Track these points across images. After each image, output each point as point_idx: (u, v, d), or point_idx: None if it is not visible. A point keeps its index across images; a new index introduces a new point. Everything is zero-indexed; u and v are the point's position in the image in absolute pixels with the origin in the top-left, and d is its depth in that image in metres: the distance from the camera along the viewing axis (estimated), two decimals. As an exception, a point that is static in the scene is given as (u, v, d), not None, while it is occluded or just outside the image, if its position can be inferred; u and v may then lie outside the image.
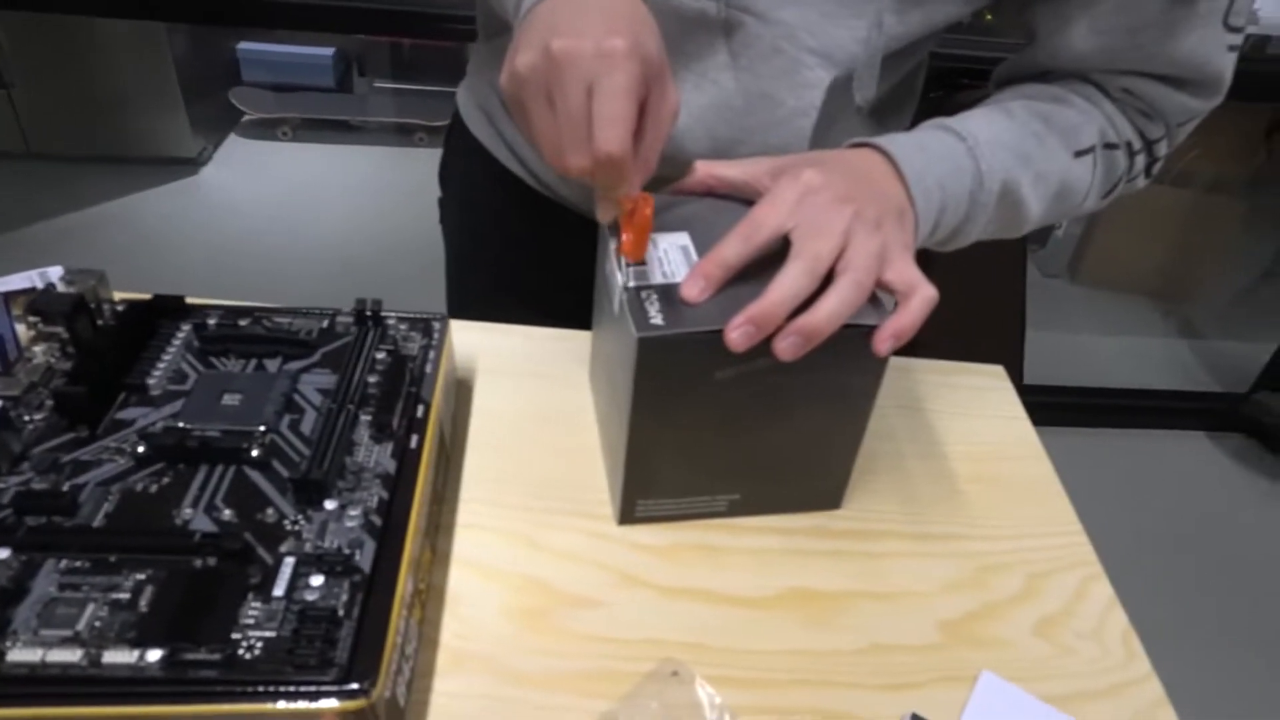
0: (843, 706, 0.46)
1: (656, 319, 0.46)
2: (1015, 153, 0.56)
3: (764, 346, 0.45)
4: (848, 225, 0.46)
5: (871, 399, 0.51)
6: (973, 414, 0.65)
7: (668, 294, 0.47)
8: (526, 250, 0.79)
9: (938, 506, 0.58)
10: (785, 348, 0.45)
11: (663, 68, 0.45)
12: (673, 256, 0.49)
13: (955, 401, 0.66)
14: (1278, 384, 1.98)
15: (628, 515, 0.54)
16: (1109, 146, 0.60)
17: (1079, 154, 0.59)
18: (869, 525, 0.56)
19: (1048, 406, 0.64)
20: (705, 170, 0.53)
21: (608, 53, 0.42)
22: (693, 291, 0.47)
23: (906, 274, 0.47)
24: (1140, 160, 0.62)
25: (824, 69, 0.57)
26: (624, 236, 0.49)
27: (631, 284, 0.48)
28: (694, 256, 0.49)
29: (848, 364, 0.48)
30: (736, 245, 0.47)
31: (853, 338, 0.46)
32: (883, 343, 0.46)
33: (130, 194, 2.45)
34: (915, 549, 0.55)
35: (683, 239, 0.50)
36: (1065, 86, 0.61)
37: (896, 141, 0.53)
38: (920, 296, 0.46)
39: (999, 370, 0.69)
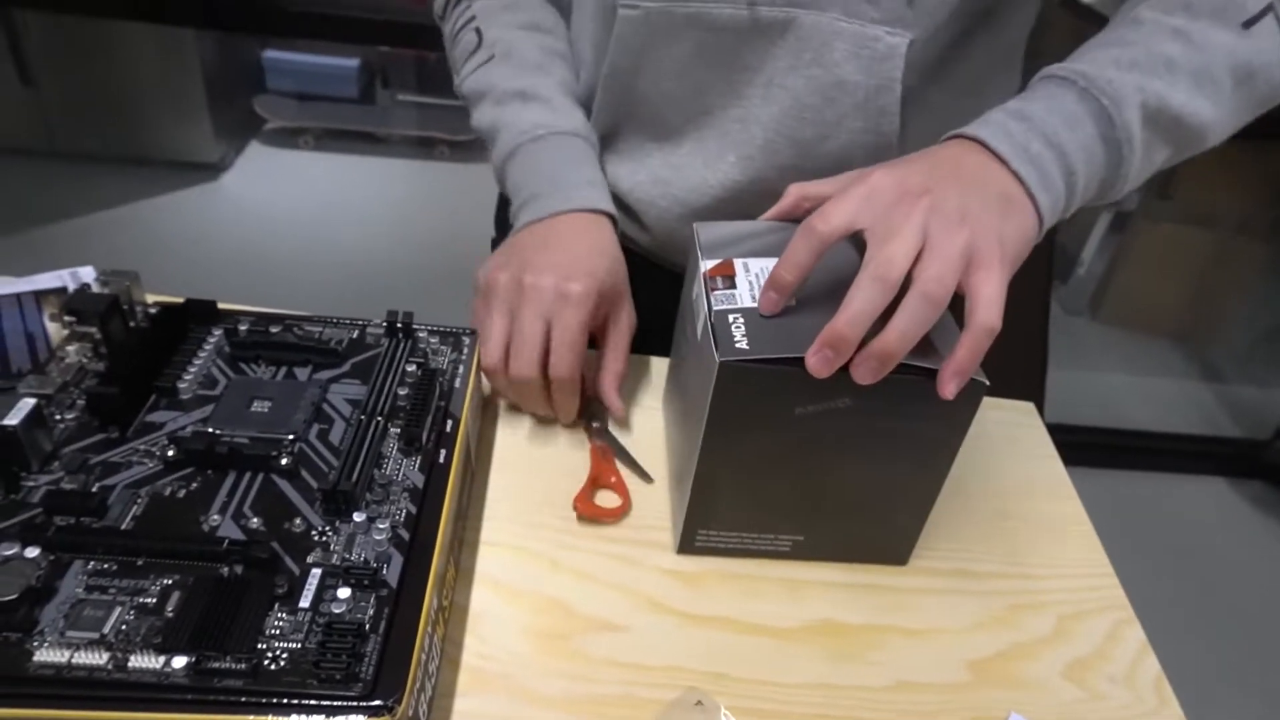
0: (869, 744, 0.45)
1: (741, 342, 0.44)
2: (1149, 67, 0.48)
3: (846, 382, 0.43)
4: (923, 220, 0.42)
5: (953, 452, 0.49)
6: (1005, 451, 0.64)
7: (754, 317, 0.46)
8: None
9: (970, 543, 0.57)
10: (862, 374, 0.42)
11: (619, 295, 0.58)
12: (763, 281, 0.47)
13: (988, 437, 0.65)
14: (1302, 431, 1.96)
15: (688, 544, 0.53)
16: None
17: (1248, 23, 0.50)
18: (897, 559, 0.55)
19: (1067, 445, 0.63)
20: (798, 192, 0.51)
21: (564, 294, 0.55)
22: (766, 304, 0.46)
23: (985, 286, 0.42)
24: None
25: (895, 35, 0.55)
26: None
27: (719, 307, 0.47)
28: None
29: (929, 411, 0.46)
30: (800, 244, 0.44)
31: (918, 383, 0.44)
32: (946, 385, 0.42)
33: (150, 197, 2.47)
34: (946, 585, 0.54)
35: (773, 264, 0.47)
36: None
37: (987, 121, 0.48)
38: (977, 325, 0.42)
39: (1030, 407, 0.68)
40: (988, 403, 0.68)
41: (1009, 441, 0.66)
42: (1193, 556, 1.81)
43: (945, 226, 0.42)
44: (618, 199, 0.67)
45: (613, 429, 0.61)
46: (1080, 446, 1.90)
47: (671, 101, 0.62)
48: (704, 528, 0.52)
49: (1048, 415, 0.69)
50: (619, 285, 0.58)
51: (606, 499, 0.57)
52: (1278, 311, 2.46)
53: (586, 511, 0.55)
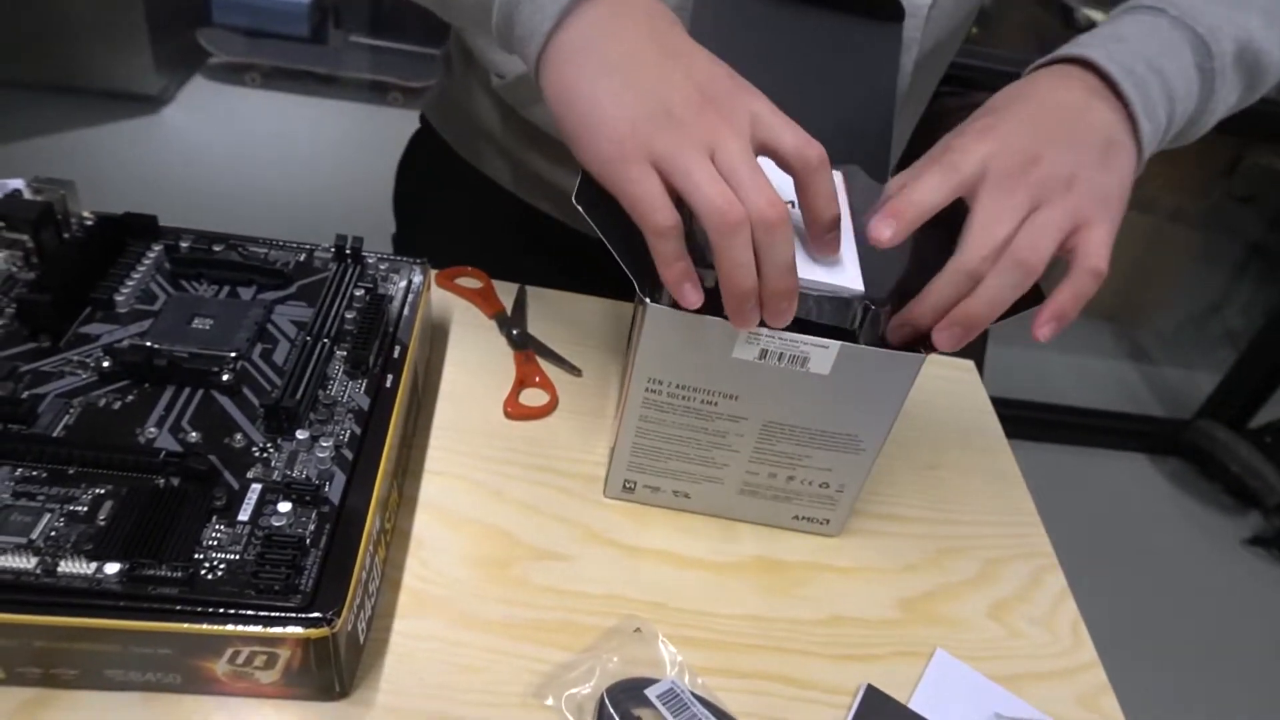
0: (800, 673, 0.46)
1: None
2: (1232, 1, 0.47)
3: None
4: (1034, 195, 0.41)
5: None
6: (943, 403, 0.66)
7: None
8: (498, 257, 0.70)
9: (904, 489, 0.59)
10: (945, 340, 0.42)
11: None
12: None
13: (927, 390, 0.67)
14: (1220, 413, 2.04)
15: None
16: None
17: None
18: (834, 502, 0.57)
19: (1002, 418, 0.65)
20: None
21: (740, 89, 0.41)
22: (885, 234, 0.40)
23: (1092, 237, 0.41)
24: None
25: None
26: None
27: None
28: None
29: None
30: (938, 180, 0.40)
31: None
32: (1043, 327, 0.41)
33: (85, 127, 2.36)
34: (879, 528, 0.56)
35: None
36: None
37: (1089, 45, 0.45)
38: (1083, 268, 0.41)
39: (969, 365, 0.70)
40: (931, 358, 0.70)
41: (949, 395, 0.67)
42: (1112, 525, 1.89)
43: (1053, 196, 0.41)
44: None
45: (531, 329, 0.63)
46: (1015, 420, 1.94)
47: None
48: None
49: (986, 389, 0.71)
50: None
51: (534, 398, 0.58)
52: (1204, 297, 2.56)
53: (515, 413, 0.57)
